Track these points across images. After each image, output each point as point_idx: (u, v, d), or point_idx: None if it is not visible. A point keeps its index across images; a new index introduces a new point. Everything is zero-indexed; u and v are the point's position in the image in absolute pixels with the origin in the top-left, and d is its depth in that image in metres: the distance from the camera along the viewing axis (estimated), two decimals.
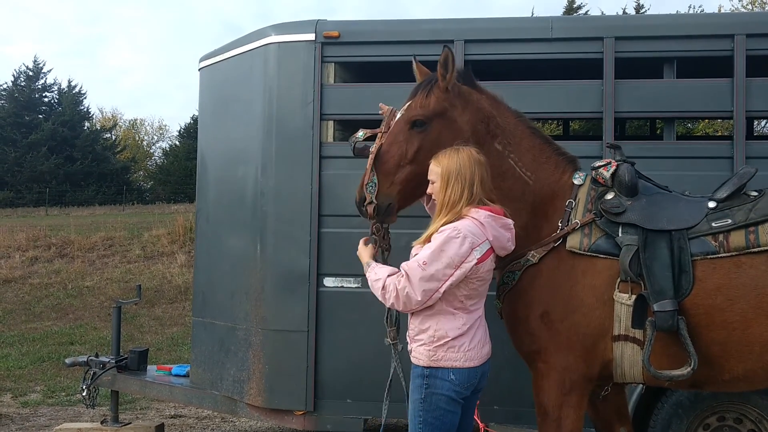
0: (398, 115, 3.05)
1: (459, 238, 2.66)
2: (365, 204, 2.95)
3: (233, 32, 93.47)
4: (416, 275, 2.67)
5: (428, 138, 2.96)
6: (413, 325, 2.83)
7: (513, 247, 2.88)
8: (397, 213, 3.04)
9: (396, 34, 4.17)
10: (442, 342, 2.74)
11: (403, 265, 2.75)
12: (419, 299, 2.68)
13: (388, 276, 2.78)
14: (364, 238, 3.08)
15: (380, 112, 3.26)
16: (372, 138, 3.10)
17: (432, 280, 2.66)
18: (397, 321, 3.04)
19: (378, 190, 2.93)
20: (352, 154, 3.21)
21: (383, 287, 2.77)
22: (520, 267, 2.96)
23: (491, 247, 2.76)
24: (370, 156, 2.98)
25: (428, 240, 2.76)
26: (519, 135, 3.10)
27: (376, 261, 2.98)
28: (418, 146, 2.95)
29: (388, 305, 2.82)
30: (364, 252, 3.02)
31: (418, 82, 3.14)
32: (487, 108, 3.07)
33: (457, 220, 2.73)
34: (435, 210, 3.00)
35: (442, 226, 2.74)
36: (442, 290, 2.69)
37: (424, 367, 2.77)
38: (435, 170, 2.82)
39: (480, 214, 2.74)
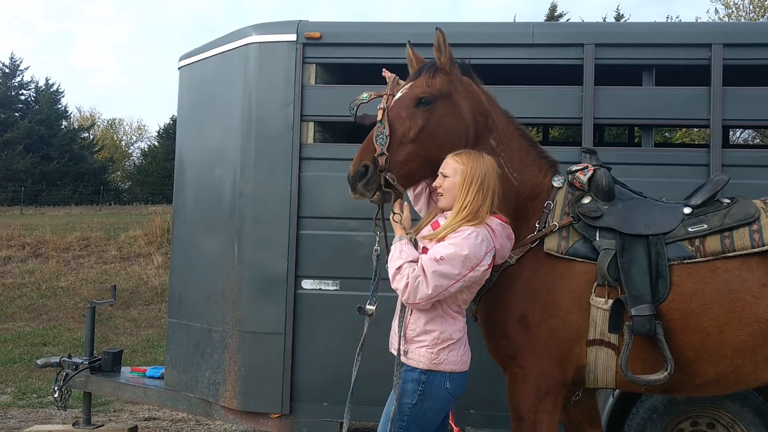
0: (399, 94, 2.95)
1: (478, 242, 2.66)
2: (376, 155, 2.79)
3: (205, 31, 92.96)
4: (431, 268, 2.60)
5: (433, 118, 2.89)
6: (417, 326, 2.76)
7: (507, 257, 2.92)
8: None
9: (378, 36, 4.16)
10: (446, 345, 2.73)
11: (420, 257, 2.69)
12: (429, 293, 2.60)
13: (410, 261, 2.68)
14: (398, 200, 2.88)
15: (384, 75, 3.19)
16: (375, 105, 2.99)
17: (445, 278, 2.61)
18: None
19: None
20: (353, 120, 3.13)
21: (399, 268, 2.67)
22: (498, 268, 2.95)
23: (495, 254, 2.78)
24: (380, 111, 2.86)
25: (439, 237, 2.71)
26: (510, 135, 3.09)
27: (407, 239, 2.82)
28: (422, 125, 2.88)
29: (393, 287, 2.69)
30: (398, 226, 2.86)
31: (415, 68, 3.06)
32: (484, 102, 3.07)
33: (477, 225, 2.71)
34: (425, 208, 2.96)
35: (460, 226, 2.69)
36: (452, 289, 2.64)
37: (422, 371, 2.72)
38: (456, 167, 2.77)
39: (494, 222, 2.77)
